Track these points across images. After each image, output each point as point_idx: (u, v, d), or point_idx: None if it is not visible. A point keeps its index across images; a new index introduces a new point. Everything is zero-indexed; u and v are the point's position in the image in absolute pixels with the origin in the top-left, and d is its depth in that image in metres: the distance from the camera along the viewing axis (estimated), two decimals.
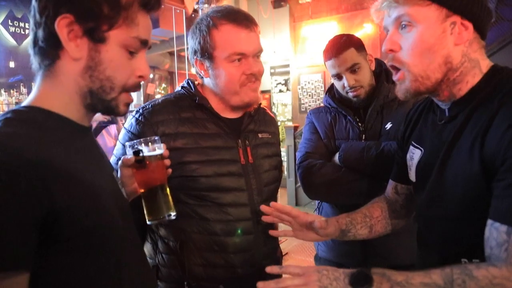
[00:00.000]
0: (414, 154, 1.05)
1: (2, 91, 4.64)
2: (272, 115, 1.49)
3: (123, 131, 1.24)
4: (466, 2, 0.86)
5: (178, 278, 1.22)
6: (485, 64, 0.90)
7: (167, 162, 1.05)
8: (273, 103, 8.96)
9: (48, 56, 0.77)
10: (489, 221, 0.80)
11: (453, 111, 0.92)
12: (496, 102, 0.82)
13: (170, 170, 1.07)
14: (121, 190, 0.92)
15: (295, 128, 6.57)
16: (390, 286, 0.81)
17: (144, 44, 0.83)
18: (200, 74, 1.27)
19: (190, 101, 1.25)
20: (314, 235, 1.16)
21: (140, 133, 1.17)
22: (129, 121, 1.23)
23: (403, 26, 0.90)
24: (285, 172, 7.24)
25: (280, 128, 8.46)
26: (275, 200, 1.40)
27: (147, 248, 1.32)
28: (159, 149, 1.02)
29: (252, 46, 1.20)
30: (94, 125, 3.78)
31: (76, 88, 0.79)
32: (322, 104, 1.81)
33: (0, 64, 5.29)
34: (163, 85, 10.53)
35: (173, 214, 1.03)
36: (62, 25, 0.74)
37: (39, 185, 0.65)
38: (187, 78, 1.33)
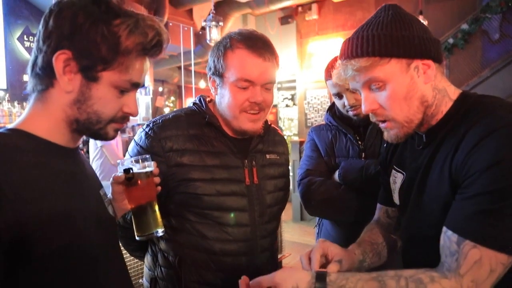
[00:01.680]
0: (397, 178, 1.09)
1: (16, 103, 4.74)
2: (282, 134, 1.48)
3: (132, 144, 1.26)
4: (419, 46, 0.90)
5: None
6: (452, 90, 0.95)
7: (157, 180, 1.07)
8: (280, 118, 9.00)
9: (42, 82, 0.80)
10: (444, 229, 0.85)
11: (429, 137, 0.97)
12: (464, 128, 0.87)
13: (159, 188, 1.09)
14: (107, 207, 0.93)
15: (301, 143, 6.61)
16: None
17: (136, 86, 0.85)
18: (213, 92, 1.27)
19: (200, 118, 1.25)
20: None
21: (149, 147, 1.18)
22: (139, 135, 1.24)
23: (374, 87, 0.94)
24: (291, 187, 7.24)
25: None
26: (278, 222, 1.39)
27: (148, 259, 1.33)
28: (149, 167, 1.05)
29: (261, 75, 1.18)
30: None
31: (63, 116, 0.81)
32: (324, 122, 1.83)
33: (14, 78, 5.42)
34: (172, 98, 10.67)
35: (160, 230, 1.06)
36: (60, 60, 0.77)
37: (6, 208, 0.66)
38: (200, 95, 1.34)
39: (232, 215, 1.21)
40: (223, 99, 1.21)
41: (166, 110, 9.59)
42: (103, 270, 0.84)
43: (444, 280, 0.81)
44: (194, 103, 1.31)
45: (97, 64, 0.78)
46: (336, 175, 1.61)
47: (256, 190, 1.25)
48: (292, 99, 8.66)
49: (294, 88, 8.10)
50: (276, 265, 1.36)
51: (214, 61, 1.21)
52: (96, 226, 0.84)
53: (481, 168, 0.80)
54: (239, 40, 1.18)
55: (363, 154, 1.63)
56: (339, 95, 1.60)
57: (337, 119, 1.70)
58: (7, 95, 4.93)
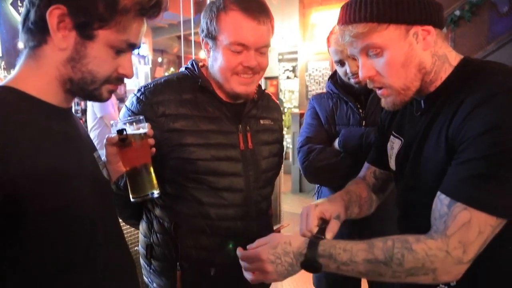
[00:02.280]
0: (394, 144, 1.08)
1: (12, 71, 4.66)
2: (277, 101, 1.49)
3: (124, 110, 1.24)
4: (419, 11, 0.88)
5: (171, 258, 1.24)
6: (453, 56, 0.93)
7: (151, 141, 1.06)
8: (281, 90, 8.93)
9: (35, 38, 0.78)
10: (437, 193, 0.85)
11: (427, 104, 0.96)
12: (463, 94, 0.86)
13: (154, 150, 1.08)
14: (102, 170, 0.92)
15: (301, 115, 6.57)
16: (336, 266, 0.88)
17: (132, 47, 0.83)
18: (204, 52, 1.26)
19: (193, 83, 1.24)
20: None
21: (140, 112, 1.16)
22: (130, 100, 1.23)
23: (371, 54, 0.92)
24: (290, 159, 7.26)
25: (286, 114, 8.46)
26: (272, 187, 1.40)
27: (143, 226, 1.34)
28: (143, 128, 1.04)
29: (256, 39, 1.15)
30: None
31: (56, 74, 0.79)
32: (325, 90, 1.83)
33: (9, 45, 5.33)
34: (172, 69, 10.54)
35: (156, 192, 1.06)
36: (54, 15, 0.74)
37: None
38: (192, 59, 1.32)
39: (227, 180, 1.21)
40: (216, 62, 1.20)
41: None
42: (100, 233, 0.84)
43: (430, 240, 0.82)
44: (187, 68, 1.28)
45: (93, 22, 0.76)
46: (336, 143, 1.62)
47: (251, 155, 1.26)
48: (293, 71, 8.56)
49: (295, 59, 7.98)
50: (271, 230, 1.38)
51: (207, 23, 1.17)
52: (91, 188, 0.83)
53: (476, 133, 0.80)
54: (233, 1, 1.14)
55: (364, 122, 1.63)
56: (341, 62, 1.59)
57: (338, 87, 1.69)
58: (3, 62, 4.86)
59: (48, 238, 0.73)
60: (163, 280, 1.27)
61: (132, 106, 1.21)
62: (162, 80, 1.26)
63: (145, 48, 7.76)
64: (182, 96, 1.21)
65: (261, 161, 1.29)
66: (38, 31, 0.77)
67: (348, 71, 1.58)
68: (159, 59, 9.74)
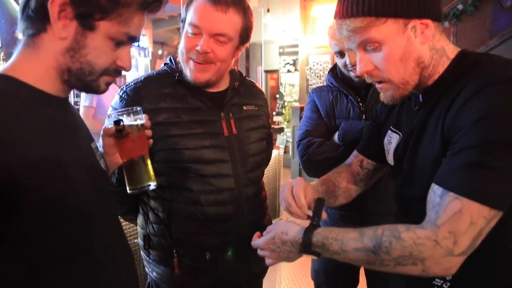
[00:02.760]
0: (392, 138, 1.08)
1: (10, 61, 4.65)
2: (260, 88, 1.50)
3: (110, 109, 1.27)
4: (417, 4, 0.87)
5: (168, 246, 1.27)
6: (450, 49, 0.92)
7: (149, 132, 1.06)
8: (281, 83, 8.91)
9: (34, 26, 0.77)
10: (432, 184, 0.84)
11: (425, 98, 0.95)
12: (458, 87, 0.85)
13: (151, 141, 1.09)
14: (99, 161, 0.92)
15: (302, 108, 6.55)
16: (330, 255, 0.92)
17: (132, 40, 0.83)
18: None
19: (172, 78, 1.27)
20: None
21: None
22: (115, 99, 1.26)
23: (369, 48, 0.91)
24: (290, 153, 7.26)
25: (286, 108, 8.44)
26: (262, 172, 1.43)
27: (140, 219, 1.37)
28: (140, 119, 1.03)
29: (210, 24, 1.16)
30: None
31: (54, 64, 0.79)
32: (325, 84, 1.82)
33: (8, 35, 5.30)
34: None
35: (153, 184, 1.05)
36: (55, 3, 0.73)
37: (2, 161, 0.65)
38: (171, 55, 1.36)
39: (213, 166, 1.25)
40: (179, 45, 1.24)
41: None
42: (97, 223, 0.84)
43: (420, 230, 0.81)
44: (165, 63, 1.33)
45: (95, 13, 0.76)
46: (336, 137, 1.61)
47: (236, 141, 1.29)
48: (294, 64, 8.53)
49: (296, 53, 7.95)
50: (264, 214, 1.43)
51: (183, 13, 1.22)
52: (88, 177, 0.82)
53: (469, 123, 0.79)
54: None
55: (364, 116, 1.63)
56: (341, 54, 1.58)
57: (338, 81, 1.69)
58: (2, 53, 4.84)
59: (44, 226, 0.73)
60: (162, 268, 1.31)
61: (116, 105, 1.25)
62: (142, 77, 1.29)
63: (145, 40, 7.73)
64: (162, 91, 1.25)
65: (248, 146, 1.32)
66: (38, 19, 0.76)
67: (347, 62, 1.57)
68: (159, 51, 9.69)
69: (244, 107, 1.37)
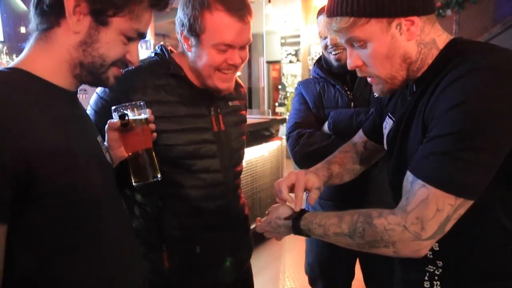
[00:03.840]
0: (387, 124, 1.10)
1: (14, 56, 4.67)
2: (239, 80, 1.48)
3: (95, 97, 1.23)
4: (400, 3, 0.86)
5: (155, 241, 1.27)
6: (442, 39, 0.92)
7: (153, 126, 1.08)
8: (283, 74, 8.87)
9: (48, 20, 0.79)
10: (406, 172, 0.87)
11: (416, 87, 0.97)
12: (442, 75, 0.86)
13: (155, 134, 1.10)
14: (105, 154, 0.94)
15: None
16: (316, 238, 1.00)
17: (141, 36, 0.86)
18: (183, 47, 1.25)
19: (164, 69, 1.24)
20: None
21: (114, 99, 1.14)
22: (102, 88, 1.20)
23: (356, 45, 0.94)
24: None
25: (289, 99, 8.42)
26: (242, 166, 1.46)
27: None
28: (145, 113, 1.05)
29: (242, 39, 1.18)
30: None
31: (67, 57, 0.81)
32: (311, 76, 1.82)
33: (11, 30, 5.31)
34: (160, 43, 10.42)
35: (158, 176, 1.07)
36: None
37: (11, 143, 0.67)
38: (161, 44, 1.32)
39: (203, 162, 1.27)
40: (199, 59, 1.20)
41: None
42: (106, 212, 0.86)
43: (391, 216, 0.85)
44: (156, 53, 1.29)
45: (108, 9, 0.78)
46: (326, 127, 1.62)
47: (224, 136, 1.31)
48: (296, 55, 8.49)
49: (298, 43, 7.91)
50: (244, 204, 1.47)
51: (189, 20, 1.15)
52: (98, 169, 0.85)
53: (442, 111, 0.80)
54: (217, 0, 1.13)
55: (352, 104, 1.63)
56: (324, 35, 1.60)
57: (324, 71, 1.69)
58: (5, 47, 4.85)
59: (55, 215, 0.75)
60: (151, 261, 1.29)
61: (104, 94, 1.20)
62: (132, 67, 1.26)
63: (148, 33, 7.70)
64: (155, 82, 1.22)
65: (232, 142, 1.34)
66: (52, 14, 0.78)
67: (328, 43, 1.58)
68: (161, 43, 9.65)
69: (230, 103, 1.37)
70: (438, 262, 0.94)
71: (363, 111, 1.56)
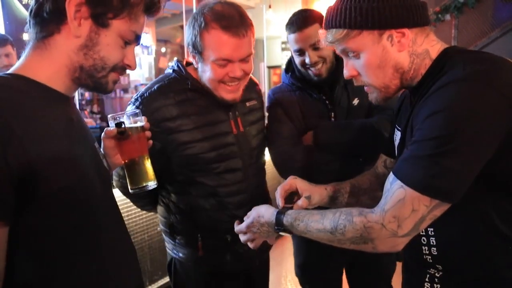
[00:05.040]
0: (397, 136, 1.11)
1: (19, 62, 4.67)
2: (254, 79, 1.53)
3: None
4: (390, 17, 0.90)
5: (192, 232, 1.43)
6: (436, 49, 0.95)
7: (148, 134, 1.11)
8: None
9: (48, 28, 0.81)
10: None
11: (414, 97, 1.00)
12: (431, 84, 0.88)
13: (151, 142, 1.13)
14: (102, 160, 0.95)
15: None
16: (299, 234, 1.01)
17: (137, 39, 0.89)
18: (194, 62, 1.34)
19: (183, 84, 1.34)
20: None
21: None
22: (130, 110, 1.27)
23: (350, 55, 0.98)
24: None
25: None
26: (264, 158, 1.54)
27: (160, 210, 1.50)
28: (140, 121, 1.08)
29: (239, 53, 1.25)
30: None
31: (67, 62, 0.82)
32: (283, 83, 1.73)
33: (13, 36, 5.30)
34: (175, 58, 10.49)
35: (152, 184, 1.10)
36: (72, 4, 0.78)
37: (16, 144, 0.68)
38: (176, 60, 1.41)
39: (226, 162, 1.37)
40: (204, 73, 1.30)
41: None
42: (104, 218, 0.88)
43: (370, 214, 0.88)
44: (174, 70, 1.38)
45: (108, 11, 0.81)
46: (309, 136, 1.59)
47: (243, 137, 1.41)
48: None
49: None
50: (267, 196, 1.58)
51: (192, 39, 1.27)
52: (96, 173, 0.87)
53: (422, 118, 0.84)
54: (212, 19, 1.23)
55: (333, 113, 1.60)
56: (301, 52, 1.54)
57: (299, 80, 1.63)
58: None
59: (55, 217, 0.76)
60: (188, 249, 1.45)
61: None
62: (155, 87, 1.34)
63: (149, 38, 7.73)
64: (176, 99, 1.32)
65: (252, 140, 1.44)
66: (52, 21, 0.80)
67: (307, 61, 1.52)
68: (163, 49, 9.70)
69: (247, 103, 1.46)
70: (437, 265, 0.96)
71: (349, 123, 1.55)
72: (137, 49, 7.57)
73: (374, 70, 0.96)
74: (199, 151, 1.32)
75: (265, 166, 1.57)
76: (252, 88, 1.52)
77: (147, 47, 7.56)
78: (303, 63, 1.55)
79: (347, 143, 1.53)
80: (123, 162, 1.09)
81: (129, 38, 0.86)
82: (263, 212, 1.11)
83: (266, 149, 1.58)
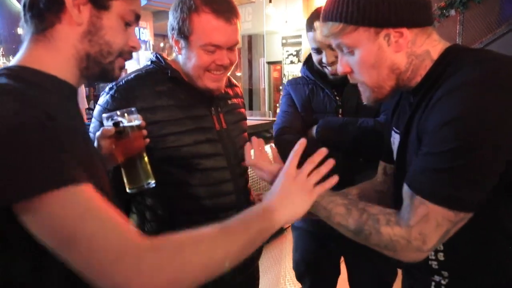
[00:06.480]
0: (395, 139, 1.08)
1: (11, 57, 4.65)
2: (233, 80, 1.54)
3: (98, 109, 1.26)
4: (388, 14, 0.86)
5: None
6: (437, 49, 0.91)
7: (145, 132, 1.10)
8: (284, 74, 8.86)
9: (47, 20, 0.78)
10: (404, 182, 0.89)
11: (414, 99, 0.96)
12: (436, 87, 0.85)
13: (148, 140, 1.12)
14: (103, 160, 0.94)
15: None
16: (320, 217, 0.99)
17: (137, 19, 0.88)
18: (175, 50, 1.30)
19: (162, 75, 1.29)
20: None
21: (116, 109, 1.16)
22: (104, 99, 1.25)
23: (345, 51, 0.95)
24: None
25: None
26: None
27: (134, 218, 1.39)
28: (137, 119, 1.07)
29: (229, 39, 1.22)
30: None
31: (73, 52, 0.80)
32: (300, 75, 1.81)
33: (7, 31, 5.29)
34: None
35: (152, 182, 1.08)
36: None
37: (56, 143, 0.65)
38: (155, 52, 1.38)
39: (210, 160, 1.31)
40: (189, 60, 1.26)
41: None
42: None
43: (397, 227, 0.86)
44: (152, 61, 1.35)
45: None
46: (314, 130, 1.60)
47: (226, 135, 1.36)
48: (297, 55, 8.47)
49: (299, 44, 7.90)
50: (253, 201, 1.50)
51: (178, 23, 1.23)
52: (104, 170, 0.87)
53: (434, 127, 0.81)
54: (203, 3, 1.20)
55: (341, 110, 1.63)
56: (318, 50, 1.57)
57: (314, 73, 1.68)
58: (1, 49, 4.83)
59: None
60: None
61: (107, 105, 1.23)
62: (132, 76, 1.29)
63: (147, 33, 7.68)
64: (155, 89, 1.27)
65: (235, 139, 1.39)
66: (50, 12, 0.77)
67: (324, 60, 1.55)
68: (161, 44, 9.63)
69: (229, 101, 1.42)
70: (443, 272, 0.94)
71: (351, 121, 1.54)
72: None
73: (368, 69, 0.93)
74: (180, 143, 1.25)
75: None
76: (232, 88, 1.50)
77: (145, 42, 7.50)
78: (320, 62, 1.58)
79: (346, 140, 1.52)
80: (120, 161, 1.07)
81: (129, 19, 0.84)
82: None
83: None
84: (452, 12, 5.46)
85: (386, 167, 1.24)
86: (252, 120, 4.34)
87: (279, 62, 8.93)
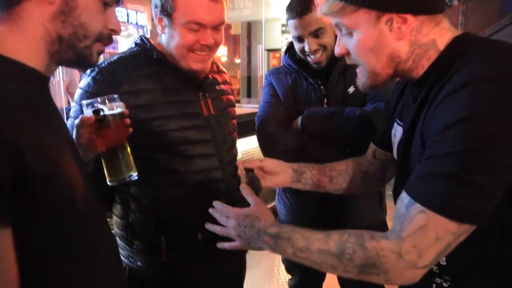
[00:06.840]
0: (397, 131, 1.03)
1: None
2: (221, 67, 1.50)
3: (79, 92, 1.20)
4: None
5: (154, 234, 1.25)
6: (445, 39, 0.84)
7: (127, 121, 1.04)
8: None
9: None
10: (402, 190, 0.81)
11: (418, 91, 0.90)
12: (442, 82, 0.79)
13: (131, 129, 1.06)
14: (79, 151, 0.87)
15: None
16: (293, 252, 0.90)
17: (117, 1, 0.81)
18: (159, 29, 1.25)
19: (148, 57, 1.24)
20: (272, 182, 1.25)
21: (99, 92, 1.10)
22: (86, 81, 1.18)
23: (344, 32, 0.90)
24: None
25: None
26: (236, 150, 1.47)
27: (117, 209, 1.33)
28: (119, 107, 1.01)
29: (213, 18, 1.17)
30: None
31: (43, 34, 0.71)
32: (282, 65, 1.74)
33: None
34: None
35: (134, 174, 1.03)
36: None
37: (12, 148, 0.60)
38: (140, 35, 1.33)
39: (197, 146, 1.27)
40: (172, 39, 1.21)
41: None
42: (89, 207, 0.81)
43: (384, 240, 0.79)
44: (137, 44, 1.29)
45: None
46: (299, 121, 1.56)
47: (215, 121, 1.31)
48: None
49: None
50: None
51: (161, 0, 1.17)
52: (78, 164, 0.80)
53: (440, 128, 0.75)
54: None
55: (326, 99, 1.57)
56: (300, 39, 1.50)
57: (296, 62, 1.62)
58: None
59: (41, 209, 0.67)
60: (149, 256, 1.29)
61: (89, 87, 1.17)
62: (115, 58, 1.24)
63: (144, 18, 7.56)
64: (140, 72, 1.21)
65: (224, 125, 1.35)
66: None
67: (306, 48, 1.49)
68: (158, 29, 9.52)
69: (217, 87, 1.38)
70: (445, 276, 0.89)
71: (337, 111, 1.49)
72: (132, 29, 7.44)
73: (366, 53, 0.87)
74: (167, 128, 1.20)
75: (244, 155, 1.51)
76: (220, 74, 1.45)
77: (142, 27, 7.39)
78: (302, 50, 1.52)
79: (332, 130, 1.49)
80: (99, 151, 1.00)
81: (107, 0, 0.77)
82: (262, 215, 0.99)
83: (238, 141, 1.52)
84: (455, 1, 5.40)
85: (376, 150, 1.21)
86: (249, 107, 4.30)
87: (278, 50, 8.86)
